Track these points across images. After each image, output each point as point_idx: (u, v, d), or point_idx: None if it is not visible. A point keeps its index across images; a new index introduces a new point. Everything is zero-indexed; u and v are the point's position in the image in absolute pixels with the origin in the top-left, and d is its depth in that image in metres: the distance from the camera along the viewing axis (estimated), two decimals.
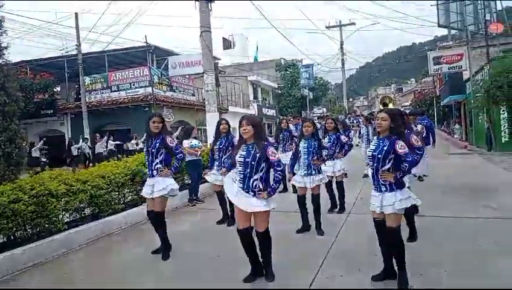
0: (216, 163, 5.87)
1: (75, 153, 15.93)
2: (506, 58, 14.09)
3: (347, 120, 16.14)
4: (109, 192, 5.95)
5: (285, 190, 7.86)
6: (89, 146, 16.16)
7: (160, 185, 4.45)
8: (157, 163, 4.50)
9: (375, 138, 3.69)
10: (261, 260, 3.72)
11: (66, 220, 5.32)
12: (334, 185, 6.18)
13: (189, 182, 7.89)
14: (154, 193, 4.47)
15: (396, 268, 3.46)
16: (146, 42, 17.59)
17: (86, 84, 18.42)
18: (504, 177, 8.74)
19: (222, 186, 5.51)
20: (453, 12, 21.96)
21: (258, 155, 3.55)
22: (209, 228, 5.86)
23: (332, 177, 6.12)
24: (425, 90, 36.76)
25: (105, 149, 15.73)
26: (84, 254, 4.96)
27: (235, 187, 3.68)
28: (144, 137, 5.09)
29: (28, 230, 4.80)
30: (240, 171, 3.62)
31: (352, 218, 5.79)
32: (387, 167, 3.43)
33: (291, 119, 12.13)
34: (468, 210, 5.89)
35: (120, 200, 6.33)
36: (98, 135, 16.81)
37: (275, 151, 3.66)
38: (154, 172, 4.50)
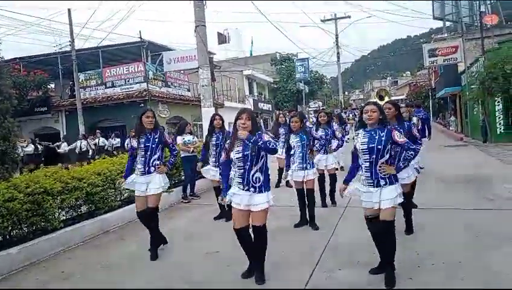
0: (213, 159, 5.87)
1: (62, 151, 15.71)
2: (501, 50, 14.11)
3: (343, 114, 16.12)
4: (105, 189, 5.91)
5: (280, 184, 7.87)
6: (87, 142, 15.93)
7: (158, 183, 4.40)
8: (155, 159, 4.43)
9: (360, 130, 3.54)
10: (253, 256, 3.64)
11: (62, 218, 5.29)
12: (327, 179, 6.21)
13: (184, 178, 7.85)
14: (151, 190, 4.39)
15: (386, 264, 3.41)
16: (140, 38, 17.43)
17: (80, 80, 18.26)
18: (500, 169, 8.78)
19: (219, 181, 5.53)
20: (448, 4, 21.95)
21: (255, 145, 3.39)
22: (207, 223, 5.85)
23: (324, 171, 6.15)
24: (421, 83, 36.88)
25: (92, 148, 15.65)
26: (81, 252, 4.93)
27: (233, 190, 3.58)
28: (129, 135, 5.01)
29: (24, 229, 4.76)
30: (240, 166, 3.50)
31: (350, 211, 5.80)
32: (385, 158, 3.38)
33: (288, 113, 12.10)
34: (465, 201, 5.92)
35: (116, 197, 6.30)
36: (99, 131, 16.87)
37: (268, 134, 3.53)
38: (152, 169, 4.41)
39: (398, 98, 42.83)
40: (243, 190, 3.50)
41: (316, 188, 5.82)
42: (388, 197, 3.34)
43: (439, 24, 26.68)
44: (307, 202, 5.20)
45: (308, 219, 5.19)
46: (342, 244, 4.43)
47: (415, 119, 7.45)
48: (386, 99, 22.21)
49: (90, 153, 14.38)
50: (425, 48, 18.98)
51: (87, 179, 5.62)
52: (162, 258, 4.42)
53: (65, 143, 15.73)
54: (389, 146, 3.38)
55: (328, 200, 6.20)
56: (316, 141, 5.94)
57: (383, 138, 3.35)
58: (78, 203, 5.58)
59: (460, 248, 4.08)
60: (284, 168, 5.56)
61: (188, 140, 7.57)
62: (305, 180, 5.14)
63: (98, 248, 5.06)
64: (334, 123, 6.70)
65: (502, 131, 14.33)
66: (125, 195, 6.53)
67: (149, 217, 4.52)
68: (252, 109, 26.20)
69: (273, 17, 41.87)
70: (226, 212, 5.90)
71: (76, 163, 12.44)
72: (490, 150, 12.36)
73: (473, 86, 15.49)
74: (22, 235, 4.74)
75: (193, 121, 20.40)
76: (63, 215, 5.38)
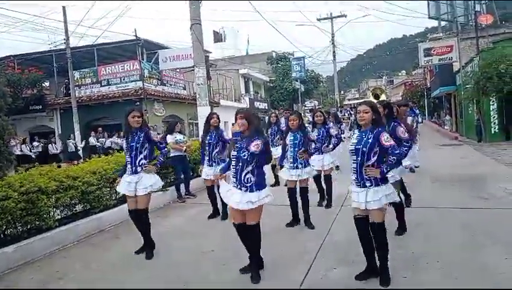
0: (207, 158, 5.84)
1: (53, 151, 15.65)
2: (495, 50, 14.19)
3: (339, 113, 16.17)
4: (100, 188, 5.89)
5: (276, 184, 7.87)
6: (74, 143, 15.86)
7: (146, 182, 4.35)
8: (141, 159, 4.37)
9: (356, 131, 3.55)
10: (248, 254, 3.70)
11: (57, 217, 5.24)
12: (322, 179, 6.20)
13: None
14: (139, 191, 4.34)
15: (378, 266, 3.40)
16: (135, 36, 17.34)
17: (76, 79, 18.14)
18: (495, 168, 8.84)
19: (213, 181, 5.52)
20: (443, 3, 22.01)
21: (247, 148, 3.56)
22: (202, 222, 5.84)
23: (321, 171, 6.14)
24: (416, 82, 37.05)
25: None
26: (76, 251, 4.91)
27: (228, 187, 3.75)
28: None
29: (19, 228, 4.73)
30: (233, 165, 3.66)
31: (345, 210, 5.81)
32: (371, 161, 3.32)
33: (283, 112, 12.08)
34: (460, 200, 5.95)
35: (112, 196, 6.27)
36: (100, 128, 16.90)
37: (259, 144, 3.54)
38: (139, 168, 4.36)
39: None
40: (237, 187, 3.64)
41: (314, 187, 5.84)
42: (374, 199, 3.29)
43: (434, 23, 26.79)
44: (299, 201, 5.18)
45: (304, 217, 5.19)
46: (337, 244, 4.43)
47: (409, 120, 7.38)
48: (383, 97, 22.33)
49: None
50: (420, 48, 19.07)
51: (82, 178, 5.59)
52: (157, 257, 4.41)
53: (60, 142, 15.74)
54: (377, 149, 3.31)
55: (324, 203, 6.18)
56: (312, 143, 5.89)
57: (370, 140, 3.30)
58: (73, 202, 5.54)
59: (455, 247, 4.10)
60: (277, 165, 5.58)
61: (180, 139, 7.54)
62: (297, 179, 5.14)
63: (93, 247, 5.04)
64: (329, 122, 6.68)
65: (497, 130, 14.44)
66: (121, 194, 6.49)
67: (138, 218, 4.48)
68: (248, 107, 26.19)
69: (269, 16, 41.91)
70: (218, 211, 5.89)
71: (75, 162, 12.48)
72: (485, 149, 12.45)
73: (467, 86, 15.57)
74: (16, 234, 4.70)
75: (189, 120, 20.37)
76: (58, 214, 5.34)
